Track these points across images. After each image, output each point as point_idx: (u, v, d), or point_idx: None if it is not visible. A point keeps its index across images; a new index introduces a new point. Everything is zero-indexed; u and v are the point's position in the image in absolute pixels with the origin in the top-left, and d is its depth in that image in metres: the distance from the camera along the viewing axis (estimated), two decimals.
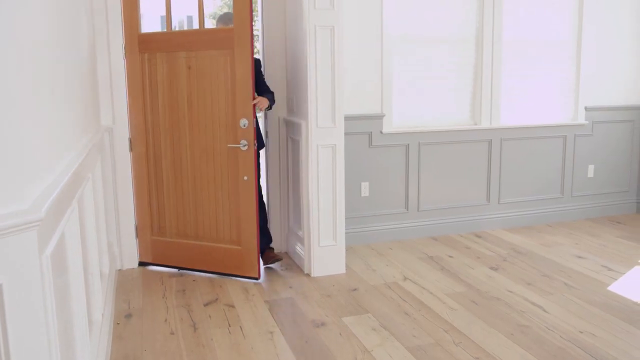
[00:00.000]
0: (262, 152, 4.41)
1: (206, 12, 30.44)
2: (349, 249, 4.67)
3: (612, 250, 4.68)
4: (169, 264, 4.36)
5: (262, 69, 4.41)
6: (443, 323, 3.36)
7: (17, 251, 1.37)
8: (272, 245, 4.52)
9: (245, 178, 3.96)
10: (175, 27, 34.02)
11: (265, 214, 4.46)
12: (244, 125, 3.90)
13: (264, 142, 4.52)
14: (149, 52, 4.16)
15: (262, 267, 4.25)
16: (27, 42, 1.62)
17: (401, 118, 4.95)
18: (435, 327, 3.30)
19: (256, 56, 4.20)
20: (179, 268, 4.34)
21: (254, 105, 3.91)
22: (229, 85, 3.94)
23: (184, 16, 34.05)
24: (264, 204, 4.47)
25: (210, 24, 28.77)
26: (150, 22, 32.75)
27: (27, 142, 1.53)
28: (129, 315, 3.53)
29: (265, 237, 4.33)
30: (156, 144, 4.24)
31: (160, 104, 4.17)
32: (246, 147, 3.92)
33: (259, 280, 4.09)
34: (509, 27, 5.15)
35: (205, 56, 3.99)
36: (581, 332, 3.23)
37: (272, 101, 4.20)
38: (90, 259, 2.80)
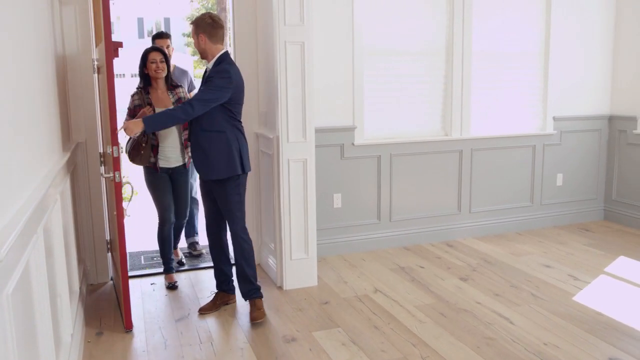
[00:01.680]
0: None
1: (182, 14, 30.35)
2: (321, 260, 4.72)
3: (579, 258, 4.78)
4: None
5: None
6: (411, 337, 3.42)
7: None
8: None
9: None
10: (152, 29, 33.84)
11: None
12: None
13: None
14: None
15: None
16: None
17: (373, 130, 5.01)
18: (403, 341, 3.36)
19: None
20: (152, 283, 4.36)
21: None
22: None
23: (161, 18, 33.86)
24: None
25: (187, 26, 28.63)
26: (128, 25, 32.52)
27: None
28: (100, 333, 3.53)
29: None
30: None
31: None
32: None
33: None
34: (479, 39, 5.24)
35: None
36: (545, 344, 3.31)
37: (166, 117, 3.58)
38: (58, 280, 2.80)
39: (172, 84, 4.19)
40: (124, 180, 3.48)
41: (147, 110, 3.93)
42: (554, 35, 5.48)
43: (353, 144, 4.86)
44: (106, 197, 4.29)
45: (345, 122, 4.84)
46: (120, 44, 3.34)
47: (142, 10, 32.70)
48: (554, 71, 5.53)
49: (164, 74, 4.08)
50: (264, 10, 4.24)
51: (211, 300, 3.90)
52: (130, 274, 4.49)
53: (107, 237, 4.37)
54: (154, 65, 4.04)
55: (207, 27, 3.53)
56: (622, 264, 4.63)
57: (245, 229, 3.71)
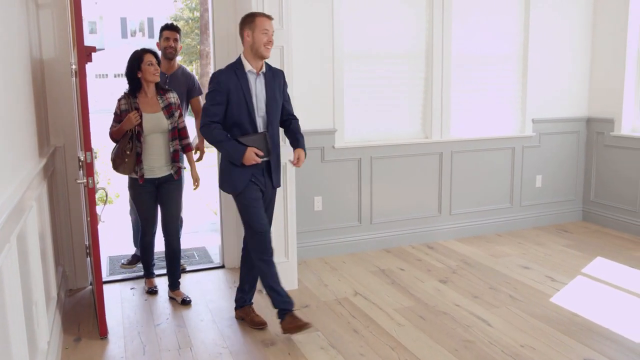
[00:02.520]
0: (214, 170, 4.43)
1: (167, 14, 30.17)
2: (302, 263, 4.73)
3: (557, 259, 4.84)
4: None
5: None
6: (390, 340, 3.44)
7: None
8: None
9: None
10: (135, 29, 33.65)
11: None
12: None
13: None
14: None
15: (212, 285, 4.26)
16: None
17: (353, 133, 5.02)
18: (382, 345, 3.38)
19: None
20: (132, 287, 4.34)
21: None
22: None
23: (144, 18, 33.66)
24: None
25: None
26: (110, 24, 32.28)
27: None
28: (78, 339, 3.51)
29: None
30: None
31: None
32: None
33: (210, 299, 4.11)
34: (458, 42, 5.28)
35: None
36: (522, 346, 3.35)
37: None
38: (34, 286, 2.78)
39: (162, 88, 3.95)
40: (98, 186, 3.46)
41: (132, 116, 3.74)
42: (532, 39, 5.54)
43: (334, 146, 4.88)
44: (84, 202, 4.27)
45: (326, 125, 4.86)
46: (93, 49, 3.30)
47: (125, 10, 32.49)
48: (532, 74, 5.59)
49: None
50: (243, 13, 4.22)
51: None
52: (110, 278, 4.52)
53: (86, 242, 4.34)
54: (151, 68, 3.81)
55: None
56: (599, 265, 4.69)
57: None
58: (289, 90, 3.67)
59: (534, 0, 5.47)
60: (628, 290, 4.16)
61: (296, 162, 3.50)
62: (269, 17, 3.40)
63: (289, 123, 3.61)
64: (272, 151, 3.43)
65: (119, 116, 3.87)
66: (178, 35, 4.56)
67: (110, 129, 3.93)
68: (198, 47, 21.81)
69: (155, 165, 3.89)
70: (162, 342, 3.47)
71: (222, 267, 4.77)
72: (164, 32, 4.55)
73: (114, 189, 9.45)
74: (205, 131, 3.35)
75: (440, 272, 4.59)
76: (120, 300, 4.12)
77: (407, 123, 5.24)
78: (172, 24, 4.63)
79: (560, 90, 5.77)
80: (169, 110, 3.89)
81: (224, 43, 4.44)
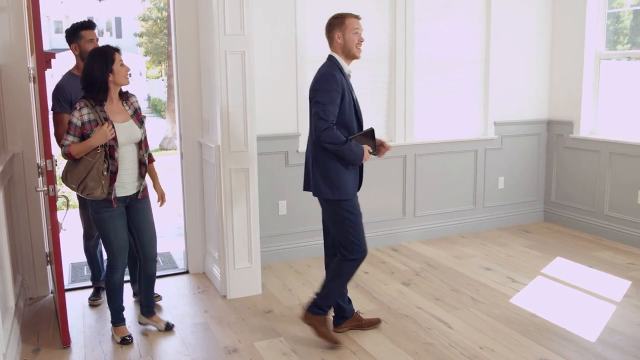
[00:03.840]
0: (177, 174, 4.40)
1: (134, 14, 29.81)
2: (267, 268, 4.73)
3: (518, 260, 4.93)
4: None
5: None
6: (352, 344, 3.47)
7: None
8: (188, 269, 4.51)
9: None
10: (102, 29, 33.16)
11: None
12: None
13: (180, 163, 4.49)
14: None
15: (177, 290, 4.24)
16: None
17: None
18: (344, 349, 3.40)
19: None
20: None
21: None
22: None
23: (111, 17, 33.21)
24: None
25: (139, 26, 28.19)
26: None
27: None
28: (37, 350, 3.46)
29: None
30: None
31: None
32: None
33: (174, 305, 4.09)
34: (421, 47, 5.34)
35: None
36: (481, 348, 3.40)
37: None
38: None
39: (124, 93, 3.45)
40: (59, 193, 3.42)
41: (106, 129, 3.21)
42: (494, 43, 5.63)
43: (297, 151, 4.89)
44: (44, 210, 4.21)
45: (290, 129, 4.87)
46: (52, 55, 3.26)
47: (92, 9, 31.97)
48: (494, 77, 5.68)
49: None
50: (204, 19, 4.22)
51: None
52: (72, 285, 4.46)
53: (47, 250, 4.28)
54: (124, 70, 3.31)
55: None
56: (558, 265, 4.79)
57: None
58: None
59: (495, 5, 5.56)
60: (585, 290, 4.26)
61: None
62: (358, 17, 3.42)
63: None
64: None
65: (79, 129, 3.25)
66: (96, 33, 3.95)
67: (66, 146, 3.25)
68: (167, 47, 21.62)
69: (128, 181, 3.41)
70: (122, 351, 3.44)
71: (187, 272, 4.75)
72: (86, 31, 3.84)
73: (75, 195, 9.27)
74: (329, 134, 3.16)
75: (403, 274, 4.64)
76: (82, 308, 4.07)
77: (371, 126, 5.24)
78: (91, 21, 3.96)
79: (522, 93, 5.87)
80: (138, 117, 3.44)
81: (185, 42, 4.42)
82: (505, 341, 3.48)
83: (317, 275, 4.61)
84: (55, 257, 3.41)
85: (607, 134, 5.59)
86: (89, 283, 4.47)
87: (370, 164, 5.23)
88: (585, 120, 5.70)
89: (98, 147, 3.24)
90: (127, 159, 3.38)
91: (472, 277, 4.55)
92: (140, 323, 3.76)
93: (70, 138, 3.26)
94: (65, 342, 3.47)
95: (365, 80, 5.17)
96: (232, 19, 3.93)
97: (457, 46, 5.52)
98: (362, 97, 5.13)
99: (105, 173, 3.27)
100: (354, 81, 5.07)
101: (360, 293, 4.25)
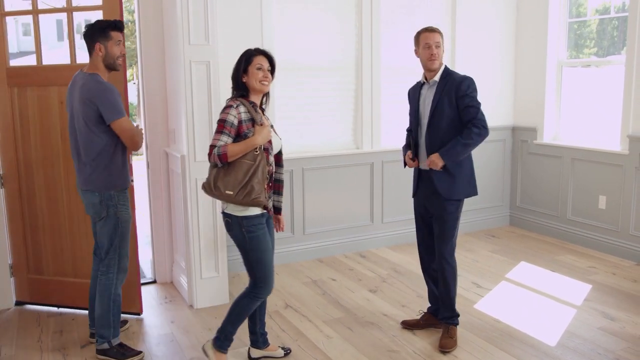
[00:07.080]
0: (144, 185, 4.37)
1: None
2: (236, 277, 4.73)
3: (484, 265, 5.01)
4: (48, 303, 4.25)
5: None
6: (318, 353, 3.49)
7: None
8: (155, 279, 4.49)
9: None
10: (75, 35, 32.65)
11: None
12: None
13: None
14: (18, 86, 4.03)
15: (143, 301, 4.22)
16: None
17: (285, 145, 5.02)
18: (309, 358, 3.43)
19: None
20: (59, 306, 4.24)
21: None
22: None
23: (81, 19, 32.75)
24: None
25: None
26: (45, 26, 31.27)
27: None
28: None
29: None
30: (29, 180, 4.11)
31: (32, 140, 4.05)
32: None
33: (141, 316, 4.07)
34: (387, 54, 5.40)
35: None
36: (445, 355, 3.45)
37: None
38: None
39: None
40: None
41: (267, 128, 2.97)
42: (459, 50, 5.72)
43: None
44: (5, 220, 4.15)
45: None
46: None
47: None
48: None
49: None
50: (169, 28, 4.21)
51: (419, 318, 3.86)
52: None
53: (9, 261, 4.22)
54: (257, 73, 3.06)
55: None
56: (523, 270, 4.88)
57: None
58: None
59: (459, 13, 5.65)
60: (547, 294, 4.35)
61: (429, 164, 3.53)
62: (433, 30, 3.53)
63: (464, 130, 3.49)
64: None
65: (235, 128, 2.93)
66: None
67: (222, 146, 2.88)
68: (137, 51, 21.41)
69: (266, 194, 3.05)
70: None
71: (154, 282, 4.73)
72: (116, 32, 3.37)
73: None
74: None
75: (370, 281, 4.68)
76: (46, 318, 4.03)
77: (338, 134, 5.32)
78: (122, 22, 3.51)
79: (487, 99, 5.92)
80: (273, 130, 3.21)
81: (151, 46, 4.40)
82: (469, 347, 3.54)
83: (285, 283, 4.63)
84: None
85: (569, 140, 5.71)
86: None
87: (338, 172, 5.27)
88: (548, 127, 5.82)
89: (256, 148, 2.94)
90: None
91: None
92: (252, 358, 3.44)
93: (224, 138, 2.90)
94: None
95: (331, 88, 5.21)
96: (197, 28, 3.93)
97: None
98: (328, 104, 5.21)
99: (268, 177, 3.01)
100: (319, 88, 5.15)
101: (328, 301, 4.28)
